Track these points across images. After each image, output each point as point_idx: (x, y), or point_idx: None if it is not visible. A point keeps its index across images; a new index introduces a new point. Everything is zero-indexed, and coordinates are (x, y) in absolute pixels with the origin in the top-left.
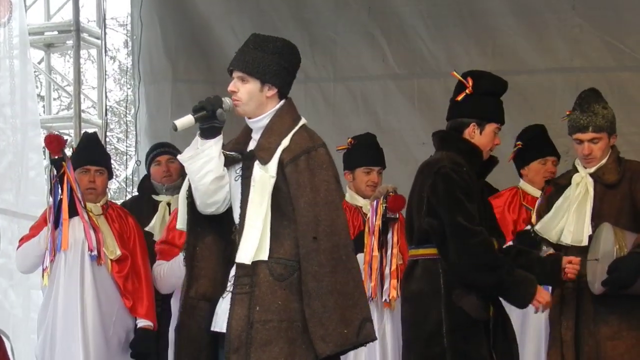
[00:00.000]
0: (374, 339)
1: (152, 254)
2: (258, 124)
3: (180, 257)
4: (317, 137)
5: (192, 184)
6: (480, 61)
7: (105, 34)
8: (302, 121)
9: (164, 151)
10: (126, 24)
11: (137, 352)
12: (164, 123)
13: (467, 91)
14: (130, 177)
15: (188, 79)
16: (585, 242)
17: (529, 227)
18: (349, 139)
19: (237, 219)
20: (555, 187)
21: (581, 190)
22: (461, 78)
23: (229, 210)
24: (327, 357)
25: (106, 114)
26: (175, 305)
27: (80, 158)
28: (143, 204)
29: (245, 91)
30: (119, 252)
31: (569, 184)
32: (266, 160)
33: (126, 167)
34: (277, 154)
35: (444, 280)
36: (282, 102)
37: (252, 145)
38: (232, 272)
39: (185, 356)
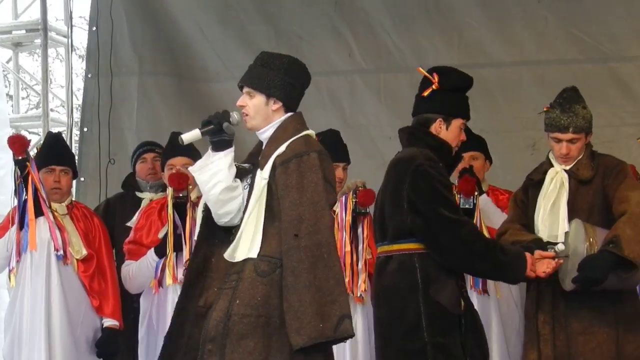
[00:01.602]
0: (351, 335)
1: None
2: (263, 135)
3: (149, 256)
4: (314, 144)
5: (203, 195)
6: (447, 55)
7: (72, 32)
8: (307, 132)
9: (150, 149)
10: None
11: (103, 351)
12: (129, 116)
13: (433, 87)
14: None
15: (154, 72)
16: (561, 238)
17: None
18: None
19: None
20: (529, 181)
21: (556, 185)
22: (427, 74)
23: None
24: (303, 352)
25: (72, 113)
26: (145, 303)
27: (45, 158)
28: (127, 201)
29: (252, 105)
30: (84, 252)
31: (543, 178)
32: (263, 165)
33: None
34: (272, 159)
35: (421, 275)
36: (289, 114)
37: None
38: None
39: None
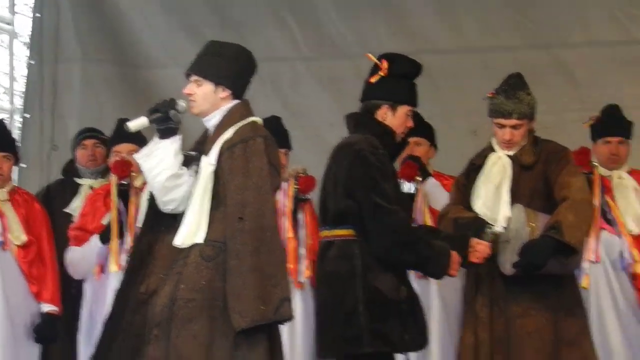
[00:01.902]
0: (291, 317)
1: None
2: (210, 122)
3: (93, 242)
4: (260, 129)
5: (148, 181)
6: (390, 42)
7: (15, 19)
8: (253, 118)
9: (91, 135)
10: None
11: (40, 336)
12: (71, 104)
13: (381, 73)
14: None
15: (98, 59)
16: (502, 223)
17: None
18: None
19: None
20: (472, 166)
21: (499, 170)
22: (376, 60)
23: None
24: (245, 333)
25: (12, 100)
26: (88, 289)
27: None
28: (67, 187)
29: (200, 93)
30: (24, 238)
31: (484, 163)
32: (208, 152)
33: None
34: (219, 145)
35: (360, 261)
36: (236, 102)
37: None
38: None
39: (123, 348)
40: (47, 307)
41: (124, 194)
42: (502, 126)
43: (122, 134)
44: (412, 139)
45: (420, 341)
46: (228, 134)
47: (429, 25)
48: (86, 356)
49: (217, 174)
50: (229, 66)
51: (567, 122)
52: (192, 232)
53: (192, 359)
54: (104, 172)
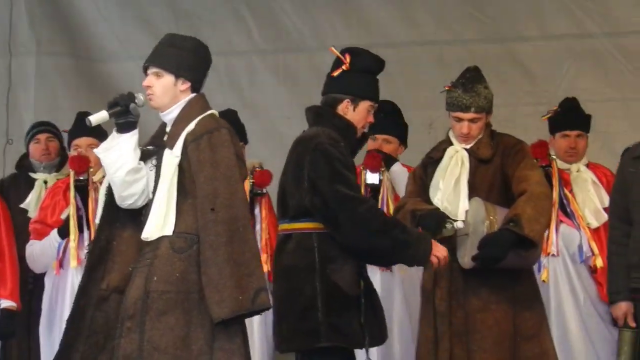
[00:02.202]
0: (268, 307)
1: (25, 230)
2: (169, 115)
3: (52, 236)
4: (222, 122)
5: (108, 176)
6: (346, 35)
7: None
8: (212, 111)
9: (44, 129)
10: None
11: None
12: (26, 97)
13: (343, 67)
14: None
15: (52, 52)
16: (461, 216)
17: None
18: None
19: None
20: (429, 160)
21: (457, 163)
22: (339, 54)
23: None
24: (224, 324)
25: None
26: (48, 283)
27: None
28: (21, 182)
29: (159, 85)
30: None
31: (442, 156)
32: (172, 145)
33: None
34: (182, 137)
35: (318, 255)
36: (193, 95)
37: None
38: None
39: (87, 345)
40: (6, 303)
41: (83, 188)
42: (460, 120)
43: (81, 128)
44: (381, 136)
45: (379, 336)
46: (191, 126)
47: (385, 19)
48: (47, 350)
49: (182, 167)
50: (189, 58)
51: (522, 116)
52: (159, 224)
53: (168, 351)
54: (58, 166)
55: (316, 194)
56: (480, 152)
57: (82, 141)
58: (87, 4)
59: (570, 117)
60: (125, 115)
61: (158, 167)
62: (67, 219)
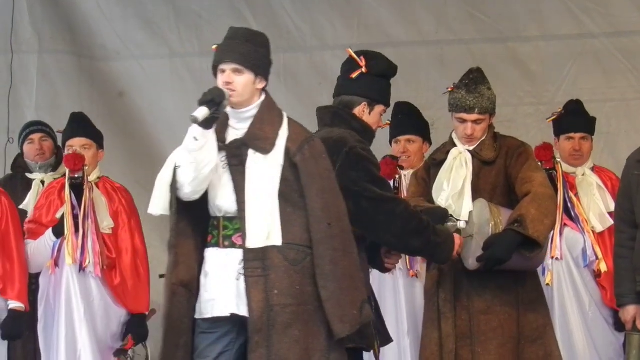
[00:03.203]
0: (371, 318)
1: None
2: (247, 114)
3: (47, 236)
4: (306, 129)
5: (194, 173)
6: (346, 35)
7: None
8: (285, 113)
9: (37, 129)
10: None
11: (7, 333)
12: (28, 95)
13: (362, 70)
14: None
15: (54, 50)
16: (465, 217)
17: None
18: None
19: (224, 206)
20: (432, 161)
21: (461, 164)
22: (355, 56)
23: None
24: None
25: None
26: (43, 283)
27: None
28: (17, 183)
29: (240, 82)
30: None
31: (446, 158)
32: (267, 149)
33: None
34: (282, 143)
35: None
36: (265, 94)
37: (234, 135)
38: (235, 256)
39: (167, 342)
40: (14, 304)
41: (78, 187)
42: (464, 121)
43: (74, 128)
44: (403, 137)
45: (387, 337)
46: (283, 131)
47: (385, 18)
48: (46, 349)
49: (284, 174)
50: (265, 56)
51: (522, 116)
52: (264, 233)
53: None
54: (55, 166)
55: (348, 196)
56: (483, 153)
57: (76, 141)
58: (89, 2)
59: (574, 119)
60: (218, 111)
61: (236, 166)
62: (62, 218)
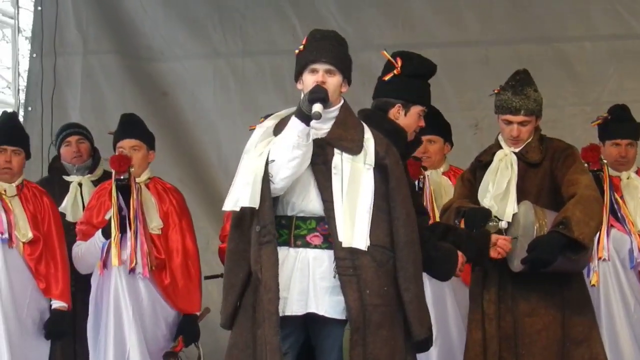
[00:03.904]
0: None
1: (66, 234)
2: (331, 114)
3: (96, 237)
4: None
5: (295, 169)
6: (391, 35)
7: (18, 13)
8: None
9: (74, 132)
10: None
11: (50, 332)
12: (73, 95)
13: (395, 71)
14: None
15: (98, 51)
16: (509, 219)
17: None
18: (261, 119)
19: (307, 205)
20: (478, 163)
21: (506, 166)
22: (390, 58)
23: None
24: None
25: (18, 94)
26: (94, 284)
27: None
28: (54, 185)
29: (332, 84)
30: (30, 235)
31: (492, 160)
32: (356, 151)
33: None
34: (371, 145)
35: None
36: (343, 98)
37: (312, 135)
38: (308, 256)
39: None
40: (56, 304)
41: (126, 188)
42: (510, 122)
43: (125, 130)
44: (425, 137)
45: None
46: (369, 135)
47: (430, 19)
48: (94, 351)
49: (375, 176)
50: (350, 61)
51: (568, 116)
52: (356, 233)
53: None
54: (91, 168)
55: None
56: (529, 155)
57: (126, 143)
58: (133, 3)
59: (621, 125)
60: (325, 109)
61: (320, 165)
62: (110, 219)
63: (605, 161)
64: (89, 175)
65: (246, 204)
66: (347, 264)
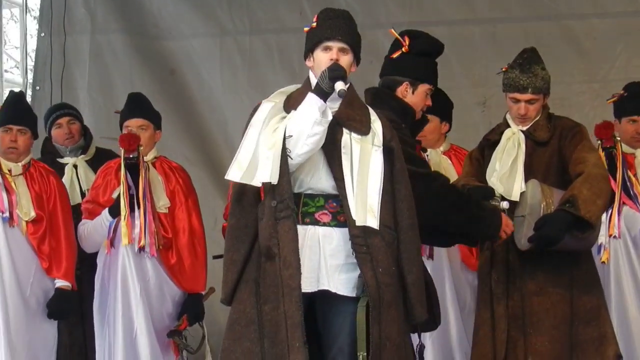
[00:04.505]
0: None
1: None
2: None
3: (103, 215)
4: None
5: (313, 145)
6: (398, 13)
7: None
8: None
9: (64, 113)
10: None
11: (53, 311)
12: (82, 74)
13: (403, 49)
14: None
15: (106, 30)
16: (516, 198)
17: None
18: None
19: (317, 183)
20: (486, 142)
21: (514, 145)
22: (398, 36)
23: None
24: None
25: (26, 74)
26: (100, 262)
27: (3, 117)
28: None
29: (345, 62)
30: (33, 214)
31: (499, 139)
32: (364, 131)
33: None
34: (378, 127)
35: None
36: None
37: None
38: (317, 233)
39: None
40: (60, 283)
41: (134, 167)
42: (517, 101)
43: (132, 109)
44: None
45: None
46: (375, 117)
47: None
48: (99, 329)
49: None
50: (360, 40)
51: (576, 94)
52: (369, 212)
53: (395, 341)
54: (85, 148)
55: None
56: (537, 134)
57: (133, 122)
58: None
59: (637, 102)
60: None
61: (329, 145)
62: (118, 198)
63: (618, 138)
64: (83, 155)
65: (267, 179)
66: (361, 241)
